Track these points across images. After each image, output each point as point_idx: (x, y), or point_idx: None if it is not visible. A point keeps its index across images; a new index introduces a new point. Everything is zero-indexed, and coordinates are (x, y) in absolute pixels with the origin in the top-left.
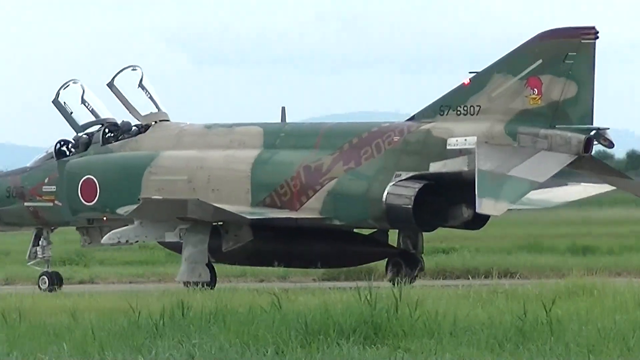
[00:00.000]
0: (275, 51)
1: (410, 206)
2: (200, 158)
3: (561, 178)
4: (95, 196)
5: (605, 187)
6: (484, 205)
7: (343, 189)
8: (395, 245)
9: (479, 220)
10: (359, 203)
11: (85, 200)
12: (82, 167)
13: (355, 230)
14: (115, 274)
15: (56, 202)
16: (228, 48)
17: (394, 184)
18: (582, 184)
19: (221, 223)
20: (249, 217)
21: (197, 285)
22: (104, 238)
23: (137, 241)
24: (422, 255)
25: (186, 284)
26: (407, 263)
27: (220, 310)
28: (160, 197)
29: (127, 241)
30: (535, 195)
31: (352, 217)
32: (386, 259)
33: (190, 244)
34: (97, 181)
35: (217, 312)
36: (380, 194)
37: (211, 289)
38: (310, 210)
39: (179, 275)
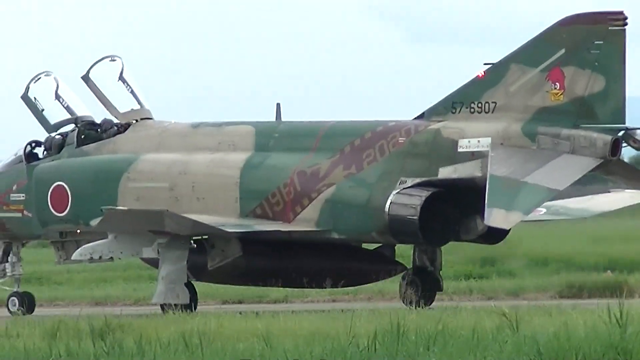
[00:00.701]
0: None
1: (416, 217)
2: (183, 162)
3: (601, 184)
4: (67, 206)
5: None
6: (494, 217)
7: (342, 198)
8: (402, 261)
9: (497, 234)
10: (360, 214)
11: (55, 211)
12: (52, 173)
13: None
14: None
15: (25, 212)
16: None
17: (398, 192)
18: (627, 191)
19: (205, 237)
20: (230, 230)
21: (176, 308)
22: (75, 254)
23: (111, 257)
24: (441, 273)
25: (163, 306)
26: (423, 282)
27: (440, 332)
28: (125, 208)
29: (100, 257)
30: (573, 204)
31: (353, 229)
32: (401, 278)
33: (168, 261)
34: (68, 189)
35: (436, 335)
36: (383, 203)
37: (191, 311)
38: (305, 222)
39: (155, 296)
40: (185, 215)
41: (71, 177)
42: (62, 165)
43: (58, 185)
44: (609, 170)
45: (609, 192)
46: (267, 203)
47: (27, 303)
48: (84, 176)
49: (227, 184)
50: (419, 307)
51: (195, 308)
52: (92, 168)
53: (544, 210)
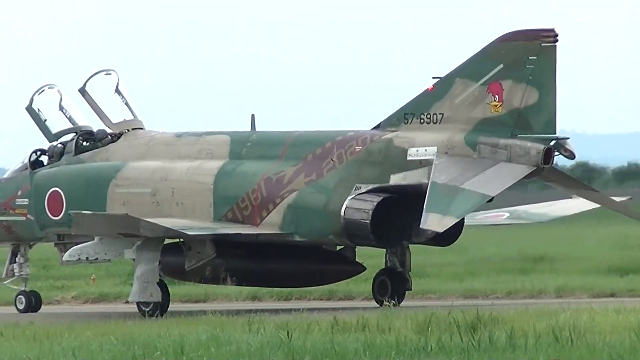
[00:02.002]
0: None
1: (367, 221)
2: (165, 169)
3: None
4: (62, 210)
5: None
6: (430, 221)
7: (303, 203)
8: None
9: (448, 237)
10: (319, 218)
11: (52, 215)
12: (49, 179)
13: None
14: None
15: (28, 216)
16: None
17: (353, 197)
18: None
19: (182, 240)
20: (189, 233)
21: (148, 306)
22: (65, 255)
23: (97, 258)
24: (410, 273)
25: (138, 305)
26: (393, 282)
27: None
28: (90, 212)
29: (87, 258)
30: (534, 209)
31: (313, 232)
32: (373, 278)
33: (141, 262)
34: (63, 194)
35: None
36: (339, 208)
37: (163, 310)
38: (270, 225)
39: (131, 295)
40: (148, 219)
41: (65, 183)
42: (57, 172)
43: (54, 190)
44: (547, 178)
45: (570, 197)
46: (237, 208)
47: (34, 302)
48: (77, 182)
49: (202, 190)
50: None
51: (167, 306)
52: (84, 175)
53: (507, 214)
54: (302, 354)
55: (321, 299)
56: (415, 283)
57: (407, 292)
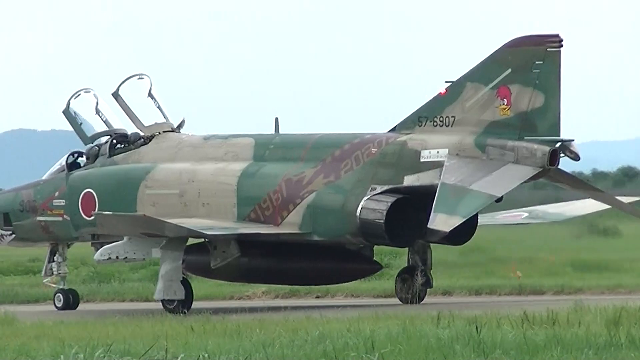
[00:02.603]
0: None
1: (382, 221)
2: (192, 171)
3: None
4: (94, 210)
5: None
6: (437, 221)
7: (321, 203)
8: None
9: (461, 236)
10: (336, 218)
11: (85, 215)
12: (83, 181)
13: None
14: None
15: (65, 216)
16: None
17: (368, 198)
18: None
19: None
20: (208, 232)
21: (172, 304)
22: (97, 254)
23: (126, 257)
24: (432, 271)
25: (163, 302)
26: (415, 280)
27: None
28: (110, 213)
29: (117, 257)
30: (552, 209)
31: (330, 232)
32: (396, 276)
33: (166, 261)
34: (95, 195)
35: None
36: (355, 208)
37: (186, 307)
38: (290, 225)
39: (156, 293)
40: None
41: (98, 184)
42: (90, 173)
43: (87, 192)
44: (554, 178)
45: (588, 198)
46: (259, 208)
47: (72, 299)
48: (109, 183)
49: (226, 191)
50: (412, 303)
51: (191, 304)
52: (115, 176)
53: (526, 214)
54: (492, 348)
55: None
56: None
57: (428, 289)
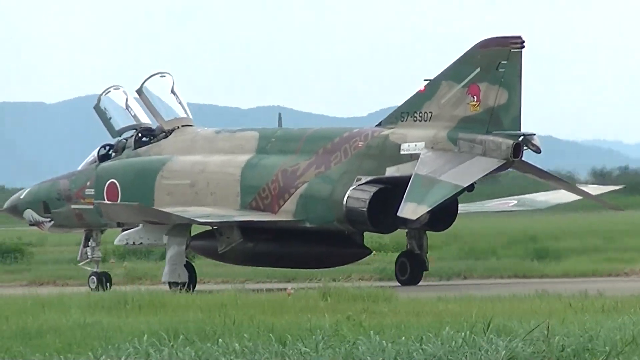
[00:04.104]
0: None
1: (365, 209)
2: (202, 162)
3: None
4: (117, 200)
5: (606, 189)
6: (405, 209)
7: (312, 193)
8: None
9: (442, 223)
10: (325, 206)
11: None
12: (108, 171)
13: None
14: None
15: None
16: None
17: (354, 188)
18: (590, 185)
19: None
20: (200, 220)
21: (177, 286)
22: (116, 239)
23: (141, 243)
24: (427, 255)
25: (169, 284)
26: (412, 264)
27: None
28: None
29: (133, 242)
30: (539, 197)
31: (320, 219)
32: (395, 259)
33: (171, 245)
34: (118, 185)
35: None
36: (342, 197)
37: (191, 289)
38: (286, 212)
39: (163, 276)
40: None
41: (121, 175)
42: (115, 164)
43: (111, 182)
44: (522, 169)
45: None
46: (259, 197)
47: (105, 281)
48: (130, 174)
49: (231, 181)
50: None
51: (195, 286)
52: (135, 167)
53: (515, 202)
54: None
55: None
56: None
57: (424, 272)
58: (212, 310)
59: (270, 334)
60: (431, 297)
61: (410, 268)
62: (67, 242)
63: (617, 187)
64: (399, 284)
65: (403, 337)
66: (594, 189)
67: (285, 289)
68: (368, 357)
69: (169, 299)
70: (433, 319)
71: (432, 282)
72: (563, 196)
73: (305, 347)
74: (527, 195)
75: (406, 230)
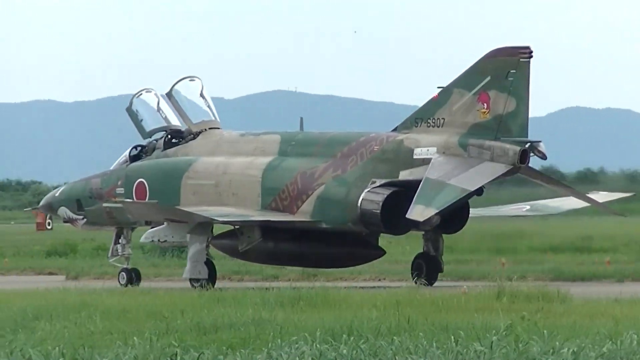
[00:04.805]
0: None
1: (378, 211)
2: (226, 164)
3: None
4: (145, 198)
5: (620, 194)
6: (414, 211)
7: (329, 195)
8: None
9: (454, 225)
10: (341, 208)
11: None
12: (137, 171)
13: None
14: None
15: None
16: None
17: (368, 190)
18: (601, 192)
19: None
20: (219, 219)
21: (198, 282)
22: (142, 238)
23: (165, 240)
24: (442, 257)
25: (190, 281)
26: (428, 265)
27: None
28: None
29: (159, 240)
30: (551, 203)
31: (336, 220)
32: (411, 261)
33: (193, 243)
34: (147, 184)
35: None
36: (357, 199)
37: (210, 285)
38: (303, 213)
39: (185, 273)
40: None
41: (149, 175)
42: (144, 164)
43: (140, 181)
44: (530, 175)
45: (588, 193)
46: (279, 198)
47: (135, 277)
48: (157, 174)
49: (252, 182)
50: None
51: (214, 282)
52: (163, 167)
53: (528, 207)
54: None
55: None
56: None
57: (439, 273)
58: (387, 308)
59: (445, 333)
60: (608, 299)
61: (426, 269)
62: None
63: (626, 194)
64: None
65: (577, 340)
66: (603, 196)
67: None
68: (542, 358)
69: (344, 296)
70: (608, 320)
71: (445, 283)
72: (574, 202)
73: (480, 346)
74: (540, 201)
75: (422, 233)
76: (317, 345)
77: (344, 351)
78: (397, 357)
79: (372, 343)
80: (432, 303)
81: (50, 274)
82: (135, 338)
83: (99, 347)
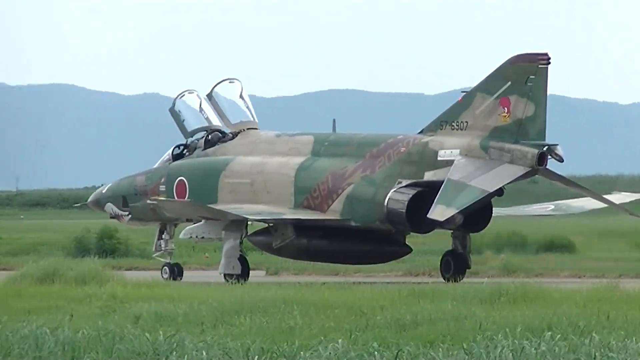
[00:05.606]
0: None
1: (403, 210)
2: (261, 163)
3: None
4: (185, 196)
5: (634, 196)
6: (436, 211)
7: (357, 194)
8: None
9: (477, 224)
10: (369, 206)
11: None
12: (178, 170)
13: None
14: None
15: None
16: None
17: (395, 190)
18: (622, 193)
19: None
20: (251, 217)
21: (231, 277)
22: (181, 234)
23: (203, 237)
24: (470, 254)
25: (225, 276)
26: (456, 262)
27: None
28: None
29: (197, 236)
30: (574, 202)
31: (364, 219)
32: (440, 258)
33: (227, 240)
34: (187, 182)
35: None
36: (384, 199)
37: (243, 279)
38: (333, 212)
39: (220, 268)
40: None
41: (189, 173)
42: (185, 163)
43: (180, 179)
44: (549, 177)
45: (610, 193)
46: (311, 197)
47: (177, 271)
48: (197, 173)
49: (286, 181)
50: (453, 281)
51: (247, 277)
52: (202, 166)
53: (552, 206)
54: None
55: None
56: None
57: (467, 270)
58: (587, 304)
59: None
60: None
61: (454, 266)
62: None
63: None
64: (444, 281)
65: None
66: (622, 197)
67: None
68: None
69: (543, 292)
70: None
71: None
72: (594, 203)
73: None
74: (563, 201)
75: (451, 231)
76: (516, 342)
77: (543, 347)
78: (596, 354)
79: (570, 340)
80: (630, 300)
81: (252, 269)
82: (336, 335)
83: (299, 342)
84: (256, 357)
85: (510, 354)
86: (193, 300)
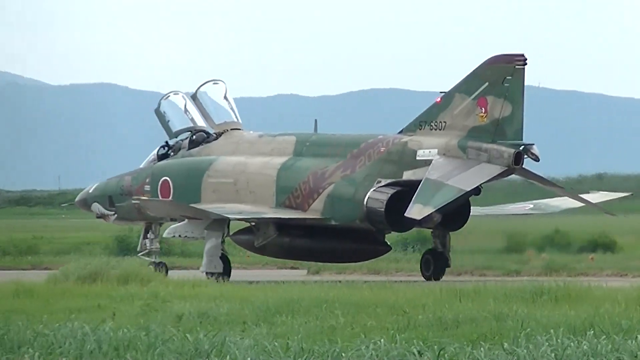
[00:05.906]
0: None
1: (382, 209)
2: (244, 163)
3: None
4: (169, 196)
5: (618, 194)
6: (413, 210)
7: (338, 194)
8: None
9: (455, 223)
10: (348, 206)
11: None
12: (162, 170)
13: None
14: None
15: None
16: None
17: (374, 190)
18: (600, 192)
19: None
20: (231, 216)
21: (212, 276)
22: (165, 232)
23: (186, 236)
24: (450, 253)
25: (206, 274)
26: (435, 260)
27: None
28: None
29: (179, 235)
30: (552, 202)
31: (344, 218)
32: (421, 257)
33: (209, 239)
34: (171, 182)
35: None
36: (363, 198)
37: (226, 279)
38: (314, 211)
39: (202, 267)
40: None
41: (173, 173)
42: (169, 163)
43: (164, 179)
44: (526, 176)
45: (588, 192)
46: (292, 196)
47: (162, 271)
48: (181, 173)
49: (268, 181)
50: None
51: (229, 276)
52: (186, 166)
53: (531, 205)
54: None
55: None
56: None
57: (446, 268)
58: (629, 303)
59: None
60: None
61: (434, 264)
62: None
63: (624, 194)
64: (424, 279)
65: None
66: (601, 196)
67: None
68: None
69: (585, 291)
70: None
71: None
72: (571, 202)
73: None
74: (542, 200)
75: (431, 230)
76: (558, 341)
77: (585, 346)
78: (638, 354)
79: (613, 339)
80: None
81: (292, 268)
82: (378, 334)
83: (341, 341)
84: (299, 358)
85: (552, 353)
86: (235, 300)
